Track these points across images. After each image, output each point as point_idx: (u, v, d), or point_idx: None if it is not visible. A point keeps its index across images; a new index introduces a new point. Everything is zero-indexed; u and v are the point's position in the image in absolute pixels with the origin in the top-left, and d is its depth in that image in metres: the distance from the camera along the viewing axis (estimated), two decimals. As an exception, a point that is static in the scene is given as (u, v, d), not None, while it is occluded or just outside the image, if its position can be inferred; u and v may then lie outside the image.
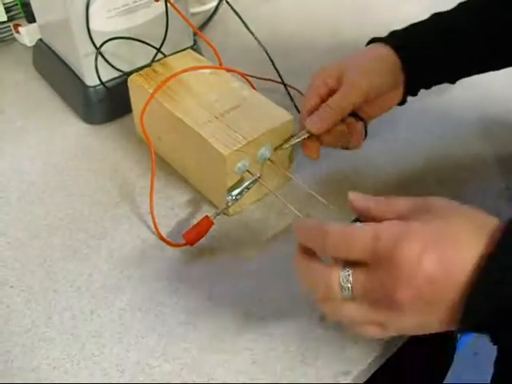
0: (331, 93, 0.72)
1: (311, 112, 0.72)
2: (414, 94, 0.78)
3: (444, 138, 0.87)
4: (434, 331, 0.49)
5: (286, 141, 0.74)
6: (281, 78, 0.86)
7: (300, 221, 0.53)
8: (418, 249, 0.45)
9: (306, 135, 0.73)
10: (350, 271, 0.48)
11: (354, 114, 0.74)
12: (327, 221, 0.50)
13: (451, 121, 0.89)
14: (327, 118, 0.71)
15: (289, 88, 0.93)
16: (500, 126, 0.89)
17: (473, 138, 0.87)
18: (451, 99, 0.91)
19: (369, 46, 0.76)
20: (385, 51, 0.73)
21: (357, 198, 0.54)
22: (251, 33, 0.85)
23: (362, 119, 0.75)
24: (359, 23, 1.12)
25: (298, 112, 0.81)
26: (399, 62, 0.72)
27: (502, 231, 0.47)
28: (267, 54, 0.85)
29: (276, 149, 0.74)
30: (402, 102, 0.77)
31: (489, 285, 0.44)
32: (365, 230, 0.48)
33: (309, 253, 0.52)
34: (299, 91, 0.92)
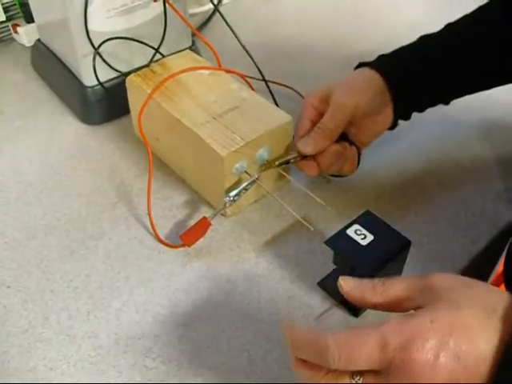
0: (320, 115, 0.72)
1: (303, 134, 0.73)
2: (407, 117, 0.78)
3: (444, 140, 0.87)
4: None
5: (277, 160, 0.74)
6: (263, 76, 0.85)
7: (290, 329, 0.49)
8: (431, 349, 0.43)
9: (295, 155, 0.73)
10: (360, 380, 0.45)
11: (347, 140, 0.75)
12: (322, 330, 0.48)
13: (451, 123, 0.89)
14: (318, 139, 0.71)
15: (288, 89, 0.93)
16: (500, 128, 0.89)
17: (472, 139, 0.87)
18: (452, 102, 0.91)
19: (356, 71, 0.77)
20: (370, 74, 0.73)
21: (350, 287, 0.52)
22: (237, 38, 0.85)
23: (355, 145, 0.75)
24: (358, 25, 1.12)
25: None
26: (385, 84, 0.72)
27: None
28: (250, 57, 0.85)
29: (264, 169, 0.74)
30: (393, 126, 0.77)
31: (510, 373, 0.43)
32: (369, 337, 0.44)
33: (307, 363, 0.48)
34: (298, 92, 0.92)
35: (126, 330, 0.63)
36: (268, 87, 0.85)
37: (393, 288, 0.49)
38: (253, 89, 0.82)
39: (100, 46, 0.81)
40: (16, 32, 1.04)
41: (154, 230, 0.72)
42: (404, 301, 0.48)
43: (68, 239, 0.73)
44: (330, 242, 0.62)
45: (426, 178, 0.80)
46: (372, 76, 0.73)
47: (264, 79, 0.85)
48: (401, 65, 0.74)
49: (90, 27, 0.80)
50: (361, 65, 0.76)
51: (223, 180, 0.70)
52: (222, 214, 0.74)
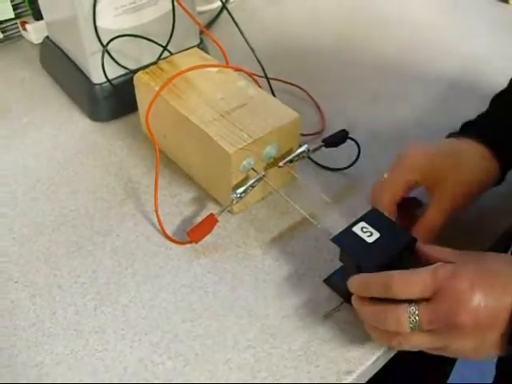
0: (410, 189, 0.70)
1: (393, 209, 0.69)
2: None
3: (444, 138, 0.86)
4: (487, 355, 0.55)
5: (284, 157, 0.74)
6: (265, 74, 0.85)
7: (358, 276, 0.59)
8: (469, 281, 0.52)
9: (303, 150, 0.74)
10: (416, 306, 0.54)
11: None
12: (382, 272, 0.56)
13: (452, 119, 0.89)
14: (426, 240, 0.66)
15: (294, 87, 0.93)
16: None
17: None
18: (459, 101, 0.91)
19: (460, 143, 0.72)
20: (476, 149, 0.70)
21: (427, 248, 0.61)
22: (243, 36, 0.84)
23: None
24: (364, 24, 1.12)
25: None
26: (493, 158, 0.69)
27: None
28: (254, 55, 0.85)
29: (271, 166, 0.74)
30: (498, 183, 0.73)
31: None
32: (424, 270, 0.54)
33: (368, 300, 0.58)
34: (305, 90, 0.92)
35: (133, 325, 0.64)
36: (270, 85, 0.85)
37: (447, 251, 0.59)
38: (260, 87, 0.82)
39: (108, 43, 0.82)
40: (25, 29, 1.04)
41: (161, 227, 0.72)
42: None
43: (75, 235, 0.73)
44: (336, 240, 0.63)
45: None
46: (477, 150, 0.70)
47: (266, 77, 0.85)
48: (497, 131, 0.72)
49: (98, 24, 0.81)
50: (453, 134, 0.74)
51: (230, 177, 0.71)
52: (229, 211, 0.74)
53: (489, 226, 0.75)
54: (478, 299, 0.52)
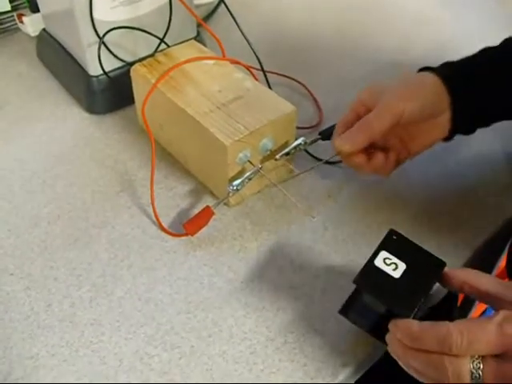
0: (367, 112, 0.68)
1: (345, 127, 0.69)
2: (467, 130, 0.73)
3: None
4: None
5: (281, 150, 0.73)
6: (262, 67, 0.85)
7: (404, 323, 0.53)
8: None
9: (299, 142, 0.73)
10: (480, 361, 0.49)
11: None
12: (428, 322, 0.51)
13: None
14: (358, 135, 0.67)
15: (292, 80, 0.93)
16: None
17: (476, 133, 0.86)
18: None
19: (416, 74, 0.72)
20: (430, 77, 0.68)
21: (460, 273, 0.56)
22: (239, 28, 0.84)
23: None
24: (363, 17, 1.12)
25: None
26: (445, 89, 0.67)
27: None
28: (251, 48, 0.84)
29: (267, 159, 0.73)
30: (449, 137, 0.72)
31: None
32: (489, 323, 0.49)
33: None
34: (302, 84, 0.92)
35: (128, 317, 0.64)
36: (266, 78, 0.85)
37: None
38: (257, 79, 0.82)
39: (105, 35, 0.81)
40: (21, 22, 1.04)
41: (157, 219, 0.72)
42: None
43: (71, 228, 0.73)
44: (359, 282, 0.56)
45: (428, 172, 0.80)
46: (432, 80, 0.68)
47: (263, 70, 0.85)
48: (464, 72, 0.69)
49: (95, 16, 0.80)
50: (423, 69, 0.72)
51: (227, 169, 0.70)
52: (226, 204, 0.74)
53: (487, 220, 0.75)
54: None
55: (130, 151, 0.83)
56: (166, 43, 0.85)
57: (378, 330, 0.57)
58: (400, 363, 0.54)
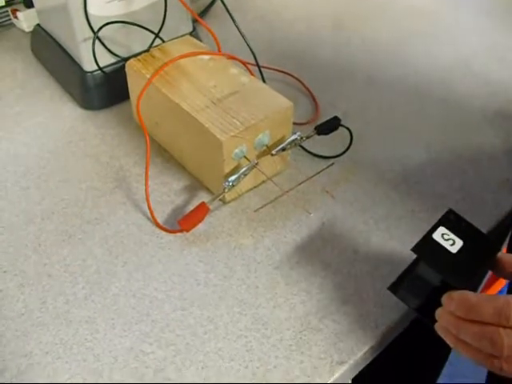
0: None
1: None
2: None
3: (444, 129, 0.86)
4: None
5: (277, 145, 0.73)
6: (257, 62, 0.84)
7: (458, 294, 0.53)
8: None
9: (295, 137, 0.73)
10: None
11: None
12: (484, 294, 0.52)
13: (452, 111, 0.88)
14: None
15: (289, 76, 0.92)
16: (503, 116, 0.88)
17: (474, 128, 0.86)
18: (454, 89, 0.91)
19: None
20: None
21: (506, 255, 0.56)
22: (235, 23, 0.84)
23: None
24: (360, 12, 1.11)
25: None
26: None
27: None
28: (246, 43, 0.84)
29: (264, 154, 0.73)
30: None
31: None
32: None
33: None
34: (298, 79, 0.92)
35: (123, 314, 0.63)
36: (261, 73, 0.85)
37: None
38: (253, 75, 0.81)
39: (99, 29, 0.81)
40: (16, 17, 1.03)
41: (152, 215, 0.72)
42: None
43: (66, 224, 0.72)
44: (417, 250, 0.57)
45: (427, 167, 0.80)
46: None
47: (258, 65, 0.84)
48: None
49: (89, 11, 0.80)
50: None
51: (222, 165, 0.70)
52: (221, 200, 0.74)
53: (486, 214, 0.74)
54: None
55: (124, 147, 0.82)
56: (161, 38, 0.85)
57: (426, 306, 0.57)
58: (447, 340, 0.54)
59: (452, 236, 0.58)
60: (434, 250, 0.57)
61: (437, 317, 0.55)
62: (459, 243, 0.57)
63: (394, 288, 0.61)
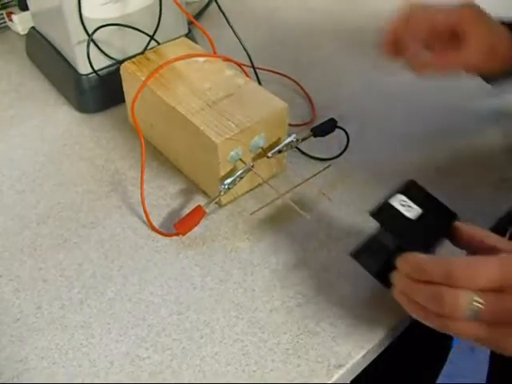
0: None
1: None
2: None
3: (442, 128, 0.86)
4: None
5: (273, 147, 0.73)
6: (252, 64, 0.84)
7: (412, 256, 0.55)
8: None
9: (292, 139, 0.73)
10: (479, 295, 0.50)
11: None
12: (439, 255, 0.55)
13: (450, 110, 0.88)
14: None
15: (285, 77, 0.92)
16: (502, 115, 0.87)
17: (472, 127, 0.86)
18: (452, 89, 0.90)
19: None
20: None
21: (470, 228, 0.58)
22: (230, 25, 0.84)
23: None
24: (357, 13, 1.11)
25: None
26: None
27: None
28: (242, 45, 0.84)
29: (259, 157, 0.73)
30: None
31: None
32: (491, 260, 0.51)
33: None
34: (294, 80, 0.92)
35: (119, 319, 0.63)
36: (256, 75, 0.85)
37: (504, 240, 0.56)
38: (249, 77, 0.81)
39: (94, 32, 0.80)
40: (10, 20, 1.03)
41: (148, 219, 0.71)
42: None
43: (61, 228, 0.72)
44: (375, 215, 0.59)
45: (425, 166, 0.79)
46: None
47: (253, 67, 0.84)
48: None
49: (84, 14, 0.79)
50: None
51: (218, 168, 0.69)
52: (217, 203, 0.73)
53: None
54: None
55: (120, 150, 0.82)
56: (156, 41, 0.84)
57: (384, 271, 0.58)
58: (401, 303, 0.55)
59: (410, 203, 0.59)
60: (392, 215, 0.58)
61: (393, 281, 0.56)
62: (417, 210, 0.58)
63: (356, 254, 0.63)
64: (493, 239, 0.56)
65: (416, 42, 0.71)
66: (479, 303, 0.50)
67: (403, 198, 0.59)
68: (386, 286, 0.58)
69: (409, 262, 0.55)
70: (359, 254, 0.63)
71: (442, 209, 0.60)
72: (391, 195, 0.60)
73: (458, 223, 0.59)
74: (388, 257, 0.58)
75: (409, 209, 0.58)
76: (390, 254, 0.57)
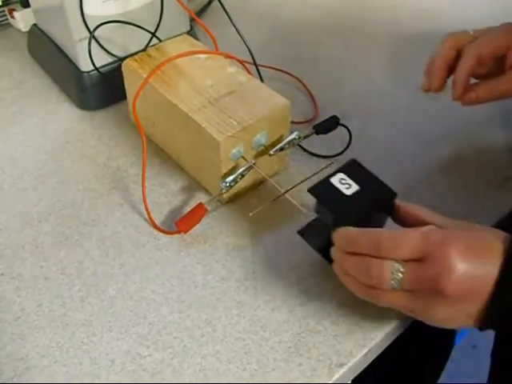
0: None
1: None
2: None
3: (446, 128, 0.85)
4: (457, 326, 0.56)
5: (275, 145, 0.72)
6: (254, 62, 0.84)
7: (344, 229, 0.58)
8: (461, 249, 0.52)
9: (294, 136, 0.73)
10: (402, 264, 0.53)
11: None
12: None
13: (453, 110, 0.88)
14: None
15: (287, 75, 0.92)
16: (504, 114, 0.87)
17: (475, 127, 0.86)
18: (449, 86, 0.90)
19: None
20: None
21: (408, 205, 0.61)
22: (232, 22, 0.83)
23: None
24: (358, 10, 1.11)
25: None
26: None
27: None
28: (244, 42, 0.83)
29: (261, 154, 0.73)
30: None
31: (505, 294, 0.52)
32: (415, 231, 0.54)
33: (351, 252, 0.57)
34: (296, 77, 0.91)
35: (120, 317, 0.62)
36: (259, 72, 0.84)
37: (437, 215, 0.59)
38: (251, 74, 0.81)
39: (96, 29, 0.80)
40: (12, 17, 1.03)
41: (150, 217, 0.71)
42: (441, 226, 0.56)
43: (62, 226, 0.72)
44: (313, 191, 0.62)
45: (426, 164, 0.79)
46: None
47: (255, 64, 0.84)
48: None
49: (85, 11, 0.79)
50: None
51: (219, 165, 0.69)
52: (219, 200, 0.73)
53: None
54: (465, 268, 0.51)
55: (122, 147, 0.82)
56: (158, 38, 0.84)
57: (327, 249, 0.60)
58: (339, 276, 0.59)
59: (349, 181, 0.61)
60: (330, 191, 0.61)
61: (332, 256, 0.60)
62: (355, 188, 0.61)
63: (301, 232, 0.67)
64: (429, 216, 0.58)
65: (464, 78, 0.73)
66: (401, 272, 0.53)
67: (343, 176, 0.62)
68: (330, 261, 0.61)
69: (341, 236, 0.58)
70: (304, 232, 0.67)
71: (380, 187, 0.62)
72: (332, 174, 0.62)
73: (397, 201, 0.61)
74: (328, 233, 0.60)
75: (347, 186, 0.61)
76: (329, 229, 0.59)
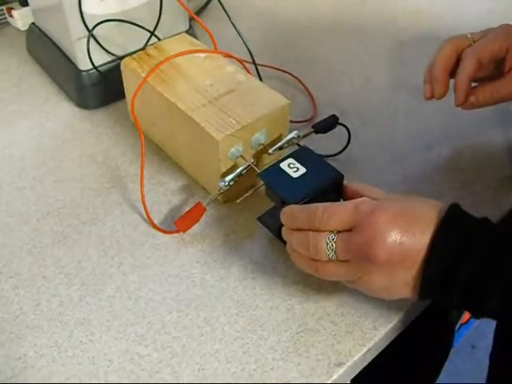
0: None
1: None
2: None
3: (444, 127, 0.85)
4: (398, 296, 0.57)
5: (274, 144, 0.72)
6: (253, 60, 0.84)
7: (288, 207, 0.60)
8: (388, 217, 0.54)
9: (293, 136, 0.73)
10: (335, 235, 0.56)
11: None
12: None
13: (452, 110, 0.88)
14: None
15: (286, 74, 0.92)
16: (503, 114, 0.87)
17: (473, 127, 0.85)
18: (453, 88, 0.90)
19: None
20: None
21: (355, 184, 0.64)
22: (231, 22, 0.83)
23: None
24: (358, 11, 1.11)
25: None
26: None
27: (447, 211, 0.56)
28: (243, 41, 0.83)
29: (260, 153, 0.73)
30: None
31: (438, 257, 0.53)
32: (347, 204, 0.57)
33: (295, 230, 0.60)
34: (296, 77, 0.91)
35: (119, 316, 0.62)
36: (258, 72, 0.84)
37: (376, 189, 0.61)
38: (250, 73, 0.81)
39: (94, 27, 0.80)
40: (11, 16, 1.02)
41: (148, 216, 0.71)
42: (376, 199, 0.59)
43: (61, 225, 0.71)
44: (261, 175, 0.65)
45: (426, 163, 0.79)
46: None
47: (254, 63, 0.84)
48: None
49: (84, 10, 0.79)
50: None
51: (218, 164, 0.69)
52: (218, 200, 0.73)
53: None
54: (394, 235, 0.53)
55: (121, 146, 0.82)
56: (157, 36, 0.84)
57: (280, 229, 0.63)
58: (290, 256, 0.61)
59: (297, 165, 0.65)
60: (278, 175, 0.65)
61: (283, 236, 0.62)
62: (303, 170, 0.64)
63: (261, 218, 0.70)
64: (374, 192, 0.60)
65: (465, 83, 0.73)
66: (335, 242, 0.56)
67: (292, 161, 0.65)
68: (285, 244, 0.62)
69: (285, 214, 0.60)
70: (263, 218, 0.70)
71: (326, 169, 0.65)
72: (282, 159, 0.66)
73: (346, 182, 0.64)
74: (279, 215, 0.62)
75: (295, 169, 0.64)
76: (279, 211, 0.62)
